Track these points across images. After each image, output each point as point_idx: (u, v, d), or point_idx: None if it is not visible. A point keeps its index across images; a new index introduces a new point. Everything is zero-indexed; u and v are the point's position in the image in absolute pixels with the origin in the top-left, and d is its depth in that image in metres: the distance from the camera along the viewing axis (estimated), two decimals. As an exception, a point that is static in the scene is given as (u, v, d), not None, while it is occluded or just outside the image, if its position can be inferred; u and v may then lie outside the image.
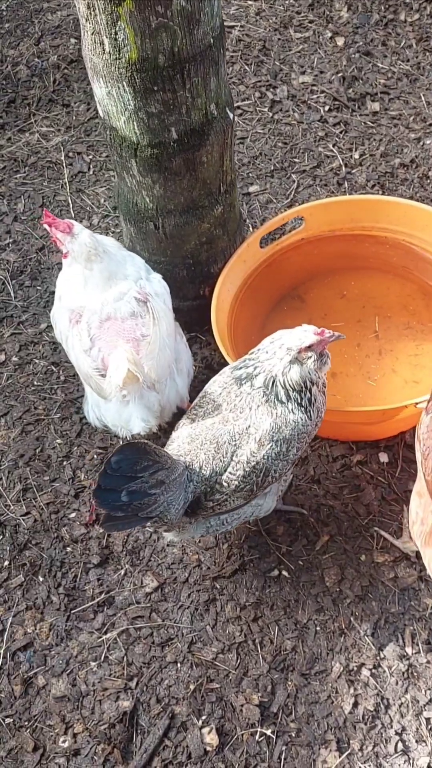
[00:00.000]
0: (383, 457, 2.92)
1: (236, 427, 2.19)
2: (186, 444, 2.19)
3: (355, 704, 2.36)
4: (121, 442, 2.53)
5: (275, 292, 3.34)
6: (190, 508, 2.16)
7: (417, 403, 2.55)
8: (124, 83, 2.15)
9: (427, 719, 2.34)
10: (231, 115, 2.55)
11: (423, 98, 4.12)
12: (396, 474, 2.87)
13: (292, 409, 2.19)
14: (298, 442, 2.23)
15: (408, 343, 3.13)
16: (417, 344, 3.12)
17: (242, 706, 2.35)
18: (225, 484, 2.16)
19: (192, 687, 2.39)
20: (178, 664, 2.44)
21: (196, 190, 2.63)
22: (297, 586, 2.60)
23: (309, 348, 2.14)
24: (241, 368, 2.25)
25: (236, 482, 2.16)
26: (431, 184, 3.75)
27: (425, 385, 2.96)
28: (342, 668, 2.43)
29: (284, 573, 2.63)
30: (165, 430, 2.70)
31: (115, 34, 2.03)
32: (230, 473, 2.15)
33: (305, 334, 2.16)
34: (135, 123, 2.28)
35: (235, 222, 3.02)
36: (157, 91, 2.17)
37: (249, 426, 2.19)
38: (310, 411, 2.24)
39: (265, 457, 2.17)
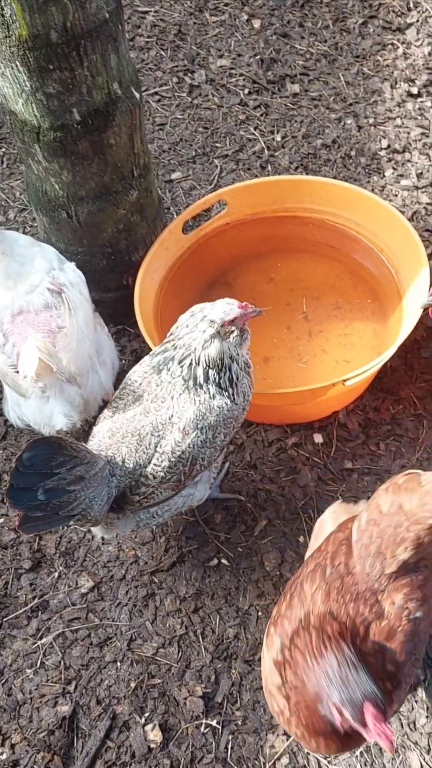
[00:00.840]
0: (318, 438, 2.91)
1: (158, 417, 2.13)
2: (107, 438, 2.12)
3: (300, 687, 2.34)
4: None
5: (202, 279, 3.28)
6: (115, 503, 2.09)
7: (345, 380, 2.53)
8: (17, 63, 2.05)
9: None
10: (137, 95, 2.47)
11: (342, 78, 4.12)
12: (331, 453, 2.86)
13: (213, 394, 2.14)
14: (224, 427, 2.19)
15: (337, 324, 3.12)
16: (346, 324, 3.11)
17: (185, 699, 2.30)
18: (150, 476, 2.10)
19: (133, 685, 2.33)
20: (118, 663, 2.38)
21: (107, 174, 2.55)
22: (237, 574, 2.56)
23: (232, 322, 2.07)
24: (158, 354, 2.19)
25: (162, 473, 2.10)
26: (354, 163, 3.75)
27: (355, 364, 2.96)
28: (285, 652, 2.40)
29: (224, 561, 2.59)
30: (92, 425, 2.62)
31: (2, 10, 1.93)
32: (155, 465, 2.10)
33: (229, 307, 2.08)
34: (33, 105, 2.19)
35: (154, 207, 2.95)
36: (53, 70, 2.08)
37: (172, 416, 2.13)
38: (233, 394, 2.20)
39: (191, 445, 2.12)
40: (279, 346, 3.09)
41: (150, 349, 2.68)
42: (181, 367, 2.11)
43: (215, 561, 2.58)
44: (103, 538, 2.58)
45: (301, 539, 2.64)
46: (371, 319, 3.10)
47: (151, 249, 2.98)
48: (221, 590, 2.52)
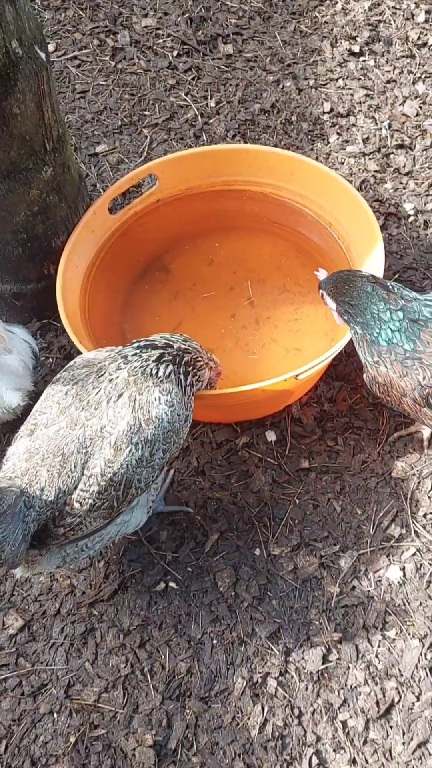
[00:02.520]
0: (271, 436, 2.64)
1: (88, 429, 1.82)
2: (23, 462, 1.79)
3: (264, 722, 2.10)
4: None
5: (135, 264, 2.95)
6: (36, 538, 1.77)
7: (297, 375, 2.26)
8: None
9: (343, 722, 2.11)
10: (42, 55, 2.10)
11: (278, 37, 3.79)
12: (286, 452, 2.60)
13: (157, 398, 1.85)
14: (164, 442, 1.89)
15: (286, 308, 2.84)
16: (295, 308, 2.83)
17: (134, 750, 2.02)
18: (77, 504, 1.78)
19: (73, 739, 2.04)
20: (55, 715, 2.08)
21: (13, 149, 2.18)
22: (187, 598, 2.28)
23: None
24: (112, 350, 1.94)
25: (91, 500, 1.79)
26: (295, 129, 3.44)
27: (308, 353, 2.69)
28: (245, 683, 2.15)
29: (172, 584, 2.30)
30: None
31: None
32: (82, 490, 1.78)
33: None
34: None
35: (74, 185, 2.59)
36: None
37: (104, 426, 1.82)
38: (184, 401, 1.92)
39: (124, 465, 1.81)
40: (224, 337, 2.79)
41: (77, 349, 2.34)
42: (143, 359, 1.87)
43: (162, 585, 2.30)
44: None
45: (257, 552, 2.38)
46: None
47: (73, 233, 2.63)
48: (170, 618, 2.24)
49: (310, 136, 3.44)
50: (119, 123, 3.45)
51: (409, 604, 2.32)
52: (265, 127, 3.45)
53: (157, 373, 1.90)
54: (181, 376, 1.93)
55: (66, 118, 3.44)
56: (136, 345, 1.98)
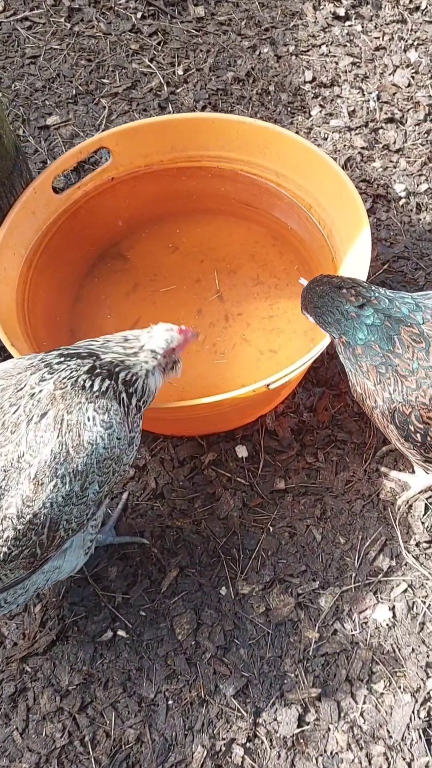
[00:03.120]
0: (241, 451, 2.28)
1: (1, 458, 1.45)
2: None
3: (227, 801, 1.75)
4: None
5: (88, 252, 2.57)
6: None
7: (269, 384, 1.90)
8: None
9: (322, 798, 1.78)
10: None
11: (255, -2, 3.40)
12: (258, 471, 2.25)
13: (91, 418, 1.48)
14: (99, 473, 1.52)
15: (259, 303, 2.47)
16: (270, 303, 2.47)
17: None
18: (-14, 554, 1.41)
19: None
20: (-26, 800, 1.72)
21: None
22: (139, 649, 1.93)
23: (173, 351, 1.74)
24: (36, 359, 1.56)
25: (5, 549, 1.43)
26: (273, 100, 3.06)
27: (284, 355, 2.34)
28: (206, 752, 1.81)
29: (121, 633, 1.95)
30: None
31: None
32: (-8, 537, 1.41)
33: (170, 334, 1.73)
34: None
35: (9, 160, 2.20)
36: None
37: (22, 454, 1.45)
38: (124, 423, 1.55)
39: (48, 503, 1.45)
40: (188, 335, 2.41)
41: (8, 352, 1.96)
42: (72, 368, 1.54)
43: (109, 633, 1.94)
44: None
45: (223, 591, 2.03)
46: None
47: (9, 215, 2.25)
48: (118, 674, 1.88)
49: (289, 109, 3.06)
50: (74, 92, 3.05)
51: (399, 650, 1.99)
52: (239, 97, 3.07)
53: (91, 386, 1.53)
54: (122, 392, 1.57)
55: (13, 86, 3.04)
56: (58, 353, 1.61)
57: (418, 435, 1.79)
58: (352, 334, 1.80)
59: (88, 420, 1.50)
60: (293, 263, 2.51)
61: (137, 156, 2.50)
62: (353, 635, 2.00)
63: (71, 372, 1.53)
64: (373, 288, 1.83)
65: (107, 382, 1.54)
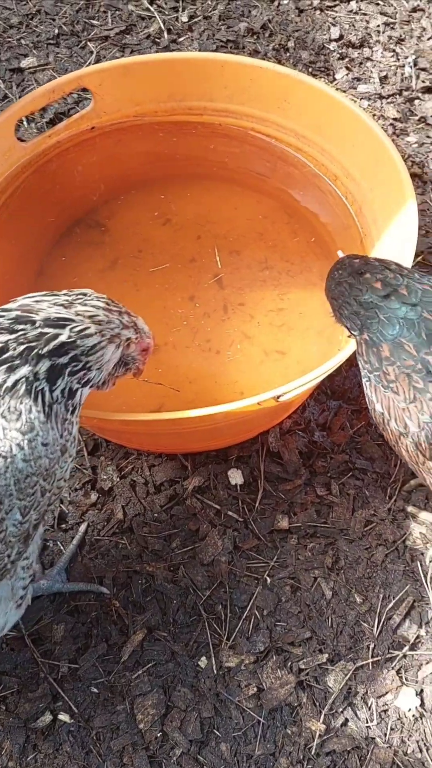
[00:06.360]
0: (235, 477, 1.82)
1: None
2: None
3: None
4: None
5: (58, 216, 2.12)
6: None
7: (278, 397, 1.42)
8: None
9: None
10: None
11: None
12: (256, 504, 1.77)
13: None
14: (22, 494, 1.07)
15: (267, 293, 2.00)
16: (280, 293, 2.00)
17: None
18: None
19: None
20: None
21: None
22: (86, 740, 1.45)
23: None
24: None
25: None
26: (292, 58, 2.60)
27: (294, 359, 1.87)
28: None
29: (63, 717, 1.47)
30: None
31: None
32: None
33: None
34: None
35: None
36: None
37: None
38: (50, 428, 1.08)
39: None
40: (178, 326, 1.96)
41: None
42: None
43: (48, 717, 1.46)
44: None
45: (202, 663, 1.55)
46: (319, 285, 1.98)
47: None
48: (55, 777, 1.40)
49: (311, 69, 2.60)
50: (56, 32, 2.57)
51: (428, 750, 1.52)
52: (253, 51, 2.60)
53: (4, 383, 1.06)
54: (44, 386, 1.09)
55: (-17, 19, 2.55)
56: None
57: (468, 478, 1.33)
58: (378, 328, 1.35)
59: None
60: (310, 245, 2.04)
61: (126, 103, 2.03)
62: (369, 728, 1.54)
63: None
64: (406, 272, 1.38)
65: (24, 369, 1.07)
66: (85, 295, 1.24)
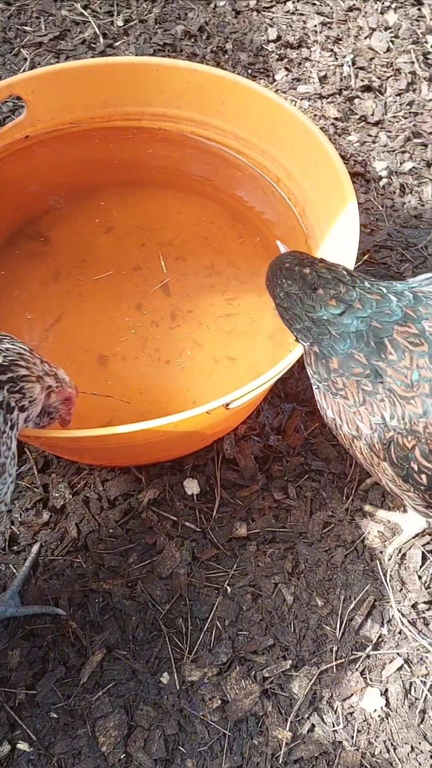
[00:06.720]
0: (191, 487, 1.79)
1: None
2: None
3: None
4: None
5: (-2, 229, 2.03)
6: None
7: (228, 404, 1.40)
8: None
9: None
10: None
11: None
12: (213, 513, 1.75)
13: None
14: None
15: (215, 298, 1.98)
16: (228, 298, 1.98)
17: None
18: None
19: None
20: None
21: None
22: (47, 767, 1.40)
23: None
24: None
25: None
26: (231, 60, 2.58)
27: (246, 364, 1.85)
28: None
29: (22, 746, 1.42)
30: None
31: None
32: None
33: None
34: None
35: None
36: None
37: None
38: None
39: None
40: (126, 336, 1.93)
41: None
42: None
43: (6, 747, 1.40)
44: None
45: (165, 679, 1.52)
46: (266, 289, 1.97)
47: None
48: None
49: (250, 71, 2.58)
50: (-12, 38, 2.50)
51: (395, 749, 1.52)
52: (191, 54, 2.58)
53: None
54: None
55: None
56: None
57: (424, 476, 1.33)
58: (329, 343, 1.34)
59: None
60: (256, 248, 2.03)
61: (60, 110, 1.98)
62: (336, 732, 1.52)
63: None
64: (358, 282, 1.36)
65: None
66: (10, 336, 1.24)
